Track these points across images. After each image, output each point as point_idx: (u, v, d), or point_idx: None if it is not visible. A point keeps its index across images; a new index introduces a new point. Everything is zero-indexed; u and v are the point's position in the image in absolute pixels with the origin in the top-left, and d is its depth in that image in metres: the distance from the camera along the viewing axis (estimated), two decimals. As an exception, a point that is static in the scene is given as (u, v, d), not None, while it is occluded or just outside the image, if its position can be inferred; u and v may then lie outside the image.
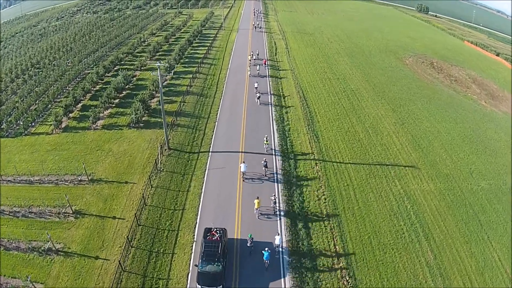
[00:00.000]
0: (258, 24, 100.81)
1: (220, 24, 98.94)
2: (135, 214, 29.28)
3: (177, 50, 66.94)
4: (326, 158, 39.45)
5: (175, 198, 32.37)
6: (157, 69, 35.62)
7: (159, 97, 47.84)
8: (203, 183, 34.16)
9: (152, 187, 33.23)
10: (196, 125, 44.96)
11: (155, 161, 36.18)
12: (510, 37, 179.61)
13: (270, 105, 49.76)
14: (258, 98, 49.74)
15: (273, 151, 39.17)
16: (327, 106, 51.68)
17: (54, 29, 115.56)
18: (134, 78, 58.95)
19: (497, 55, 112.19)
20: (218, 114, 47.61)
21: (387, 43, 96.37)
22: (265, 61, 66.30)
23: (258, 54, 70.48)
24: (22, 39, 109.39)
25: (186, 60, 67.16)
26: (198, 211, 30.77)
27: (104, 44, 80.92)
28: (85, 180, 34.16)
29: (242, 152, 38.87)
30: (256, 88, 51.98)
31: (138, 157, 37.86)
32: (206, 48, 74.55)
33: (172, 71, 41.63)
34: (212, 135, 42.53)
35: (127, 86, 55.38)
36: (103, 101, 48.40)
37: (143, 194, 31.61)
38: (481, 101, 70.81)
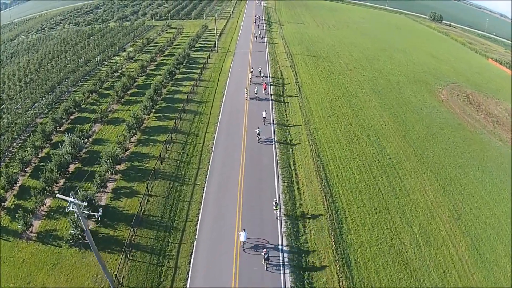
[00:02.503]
0: (259, 34, 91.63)
1: (213, 43, 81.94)
2: None
3: (152, 92, 50.15)
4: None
5: None
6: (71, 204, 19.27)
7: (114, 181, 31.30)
8: None
9: None
10: (163, 251, 28.41)
11: None
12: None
13: (279, 219, 32.02)
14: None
15: None
16: (359, 196, 35.81)
17: (28, 46, 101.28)
18: (90, 139, 42.32)
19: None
20: (197, 228, 30.84)
21: (413, 68, 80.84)
22: (265, 86, 55.14)
23: (260, 71, 61.60)
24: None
25: (163, 105, 50.43)
26: None
27: (71, 73, 64.64)
28: None
29: None
30: (259, 133, 41.00)
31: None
32: (193, 82, 57.78)
33: (98, 214, 22.13)
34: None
35: (79, 155, 38.91)
36: (40, 190, 32.03)
37: None
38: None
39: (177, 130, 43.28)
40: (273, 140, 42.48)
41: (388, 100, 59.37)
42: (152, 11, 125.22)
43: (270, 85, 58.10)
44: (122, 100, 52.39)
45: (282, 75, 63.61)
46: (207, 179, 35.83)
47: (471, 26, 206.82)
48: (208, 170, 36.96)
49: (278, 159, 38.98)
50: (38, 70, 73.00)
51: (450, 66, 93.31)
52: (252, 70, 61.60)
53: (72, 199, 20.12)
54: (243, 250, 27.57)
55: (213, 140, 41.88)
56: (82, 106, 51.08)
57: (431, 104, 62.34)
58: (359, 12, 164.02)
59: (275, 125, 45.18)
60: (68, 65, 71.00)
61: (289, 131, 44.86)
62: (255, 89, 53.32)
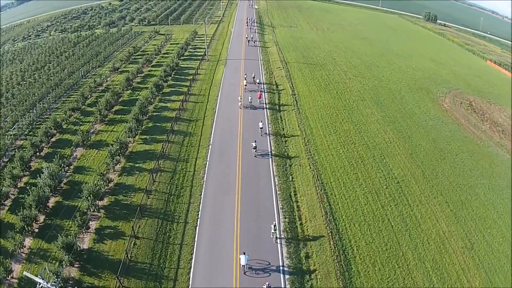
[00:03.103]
0: (252, 37, 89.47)
1: (203, 50, 77.79)
2: None
3: (137, 110, 46.09)
4: None
5: None
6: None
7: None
8: None
9: None
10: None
11: None
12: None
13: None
14: None
15: None
16: (368, 230, 32.46)
17: (13, 56, 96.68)
18: (72, 167, 38.30)
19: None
20: (190, 277, 27.02)
21: (413, 74, 77.85)
22: (260, 94, 52.84)
23: (253, 77, 59.05)
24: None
25: (149, 125, 46.35)
26: None
27: (53, 87, 60.41)
28: None
29: None
30: (255, 146, 38.85)
31: None
32: (182, 97, 53.82)
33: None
34: None
35: (59, 186, 34.93)
36: (19, 229, 28.31)
37: None
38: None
39: (165, 156, 39.30)
40: (271, 165, 38.66)
41: (391, 113, 56.02)
42: (140, 16, 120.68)
43: (265, 99, 54.32)
44: (106, 119, 48.32)
45: (277, 87, 59.79)
46: (199, 216, 31.98)
47: (466, 26, 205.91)
48: (200, 205, 33.09)
49: (277, 188, 35.25)
50: (21, 83, 68.88)
51: (450, 70, 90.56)
52: (245, 76, 59.17)
53: (41, 281, 16.28)
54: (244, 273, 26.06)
55: (205, 167, 37.92)
56: (64, 126, 47.09)
57: (435, 115, 59.20)
58: (352, 13, 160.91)
59: (272, 149, 41.23)
60: (52, 77, 66.94)
61: (288, 154, 41.05)
62: (249, 98, 50.72)
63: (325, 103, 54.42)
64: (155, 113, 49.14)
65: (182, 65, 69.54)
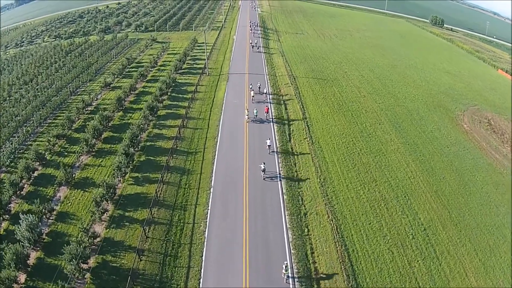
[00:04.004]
0: (256, 43, 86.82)
1: (204, 62, 72.00)
2: None
3: (128, 142, 40.42)
4: None
5: None
6: None
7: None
8: None
9: None
10: None
11: None
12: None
13: None
14: None
15: None
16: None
17: (3, 65, 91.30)
18: (54, 212, 33.00)
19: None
20: None
21: (429, 89, 72.71)
22: (267, 109, 50.28)
23: (259, 87, 57.07)
24: None
25: (141, 159, 40.59)
26: None
27: (39, 106, 54.88)
28: None
29: None
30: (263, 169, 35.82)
31: None
32: (179, 121, 48.09)
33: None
34: None
35: (40, 238, 29.52)
36: None
37: None
38: None
39: (159, 203, 33.71)
40: (283, 215, 33.07)
41: (412, 138, 50.70)
42: (138, 21, 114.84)
43: (273, 119, 48.79)
44: (94, 149, 42.67)
45: (286, 109, 54.09)
46: (200, 284, 26.43)
47: (472, 29, 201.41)
48: (202, 270, 27.52)
49: (291, 246, 29.69)
50: (6, 100, 63.16)
51: (465, 83, 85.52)
52: (251, 86, 57.18)
53: None
54: None
55: (206, 218, 32.28)
56: (47, 157, 41.59)
57: (456, 139, 54.18)
58: (359, 18, 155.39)
59: (285, 197, 35.42)
60: (39, 93, 61.25)
61: (303, 199, 35.42)
62: (254, 110, 48.45)
63: (339, 129, 48.89)
64: (148, 143, 43.45)
65: (180, 80, 63.89)
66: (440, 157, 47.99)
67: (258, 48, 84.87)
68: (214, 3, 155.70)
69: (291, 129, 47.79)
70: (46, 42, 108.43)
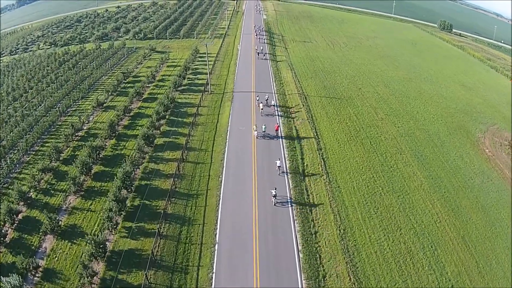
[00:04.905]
0: (262, 49, 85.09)
1: (206, 77, 66.95)
2: None
3: (119, 183, 35.51)
4: None
5: None
6: None
7: None
8: None
9: None
10: None
11: None
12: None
13: None
14: None
15: None
16: None
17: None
18: (40, 269, 28.58)
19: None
20: None
21: (447, 107, 68.27)
22: (277, 127, 48.18)
23: (267, 99, 55.54)
24: None
25: (135, 204, 35.53)
26: None
27: (27, 130, 50.13)
28: None
29: None
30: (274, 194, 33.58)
31: None
32: (179, 152, 43.10)
33: None
34: None
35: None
36: None
37: None
38: None
39: (156, 263, 28.86)
40: (298, 275, 28.19)
41: (435, 170, 46.14)
42: (136, 27, 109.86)
43: (284, 151, 43.93)
44: (83, 188, 37.86)
45: (298, 133, 49.29)
46: None
47: (478, 33, 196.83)
48: None
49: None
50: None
51: (481, 97, 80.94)
52: (257, 98, 55.96)
53: None
54: None
55: (211, 283, 27.37)
56: (33, 197, 36.90)
57: (480, 168, 49.89)
58: (367, 23, 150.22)
59: (300, 251, 30.55)
60: (27, 113, 56.46)
61: (320, 256, 30.48)
62: (263, 126, 46.70)
63: (359, 163, 43.94)
64: (143, 182, 38.47)
65: (179, 100, 58.92)
66: (465, 192, 43.61)
67: (264, 55, 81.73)
68: (217, 7, 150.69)
69: (305, 162, 42.70)
70: (41, 49, 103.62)
